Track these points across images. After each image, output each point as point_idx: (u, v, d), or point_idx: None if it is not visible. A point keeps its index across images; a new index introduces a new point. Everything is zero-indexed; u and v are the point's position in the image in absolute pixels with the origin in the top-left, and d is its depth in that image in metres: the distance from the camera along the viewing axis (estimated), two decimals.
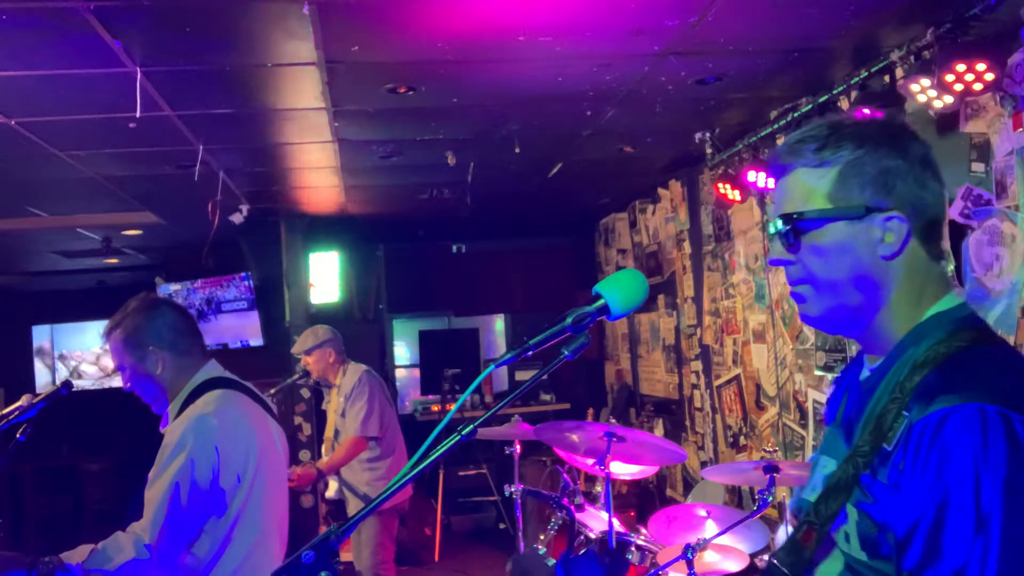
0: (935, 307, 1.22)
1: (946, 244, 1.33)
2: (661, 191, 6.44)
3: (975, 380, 1.09)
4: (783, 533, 3.34)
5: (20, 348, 9.16)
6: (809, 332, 4.44)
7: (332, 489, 4.61)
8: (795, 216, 1.23)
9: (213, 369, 2.41)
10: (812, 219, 1.22)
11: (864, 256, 1.21)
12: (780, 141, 4.27)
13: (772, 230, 1.27)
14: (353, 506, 4.66)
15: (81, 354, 9.36)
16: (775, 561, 1.22)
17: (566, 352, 1.27)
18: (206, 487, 2.16)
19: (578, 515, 3.55)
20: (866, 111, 3.31)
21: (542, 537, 3.76)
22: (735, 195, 4.58)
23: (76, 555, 2.11)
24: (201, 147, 4.30)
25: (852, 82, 3.53)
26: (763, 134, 4.32)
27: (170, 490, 2.13)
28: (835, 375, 4.13)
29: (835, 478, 1.18)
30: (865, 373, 1.29)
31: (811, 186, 1.23)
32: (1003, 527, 1.02)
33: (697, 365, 5.92)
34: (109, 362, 9.25)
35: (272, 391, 4.81)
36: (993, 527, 1.02)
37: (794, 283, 1.28)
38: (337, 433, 4.64)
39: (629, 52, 3.32)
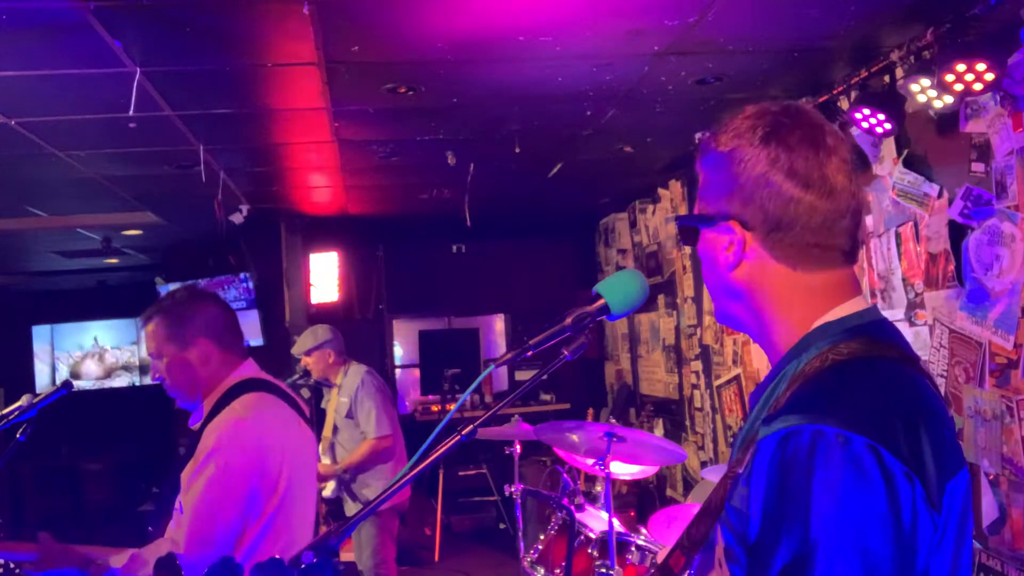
0: (824, 316, 1.12)
1: (838, 246, 1.13)
2: (661, 191, 6.44)
3: (825, 399, 1.01)
4: None
5: (20, 348, 9.17)
6: None
7: (329, 488, 4.62)
8: (676, 219, 1.21)
9: (250, 369, 2.36)
10: (682, 224, 1.21)
11: (715, 267, 1.17)
12: None
13: None
14: (351, 506, 4.67)
15: (81, 354, 9.37)
16: None
17: (566, 352, 1.28)
18: (242, 493, 2.12)
19: (578, 515, 3.55)
20: (866, 111, 3.32)
21: (542, 537, 3.76)
22: None
23: (121, 559, 2.09)
24: (201, 147, 4.30)
25: (852, 82, 3.53)
26: None
27: (206, 499, 2.09)
28: None
29: (708, 500, 1.11)
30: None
31: (699, 189, 1.20)
32: (828, 551, 0.93)
33: (697, 365, 5.92)
34: (109, 365, 9.28)
35: None
36: (817, 551, 0.94)
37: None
38: (336, 431, 4.65)
39: (629, 52, 3.32)
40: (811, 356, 1.08)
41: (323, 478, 4.56)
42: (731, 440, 5.48)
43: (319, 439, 5.04)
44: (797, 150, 1.10)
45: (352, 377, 4.60)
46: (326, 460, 4.69)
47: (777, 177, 1.10)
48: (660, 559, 1.14)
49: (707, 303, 5.77)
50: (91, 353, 9.35)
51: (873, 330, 1.11)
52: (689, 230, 1.21)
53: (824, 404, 0.99)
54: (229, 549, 2.11)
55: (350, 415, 4.55)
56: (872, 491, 0.94)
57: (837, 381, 1.03)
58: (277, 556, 2.16)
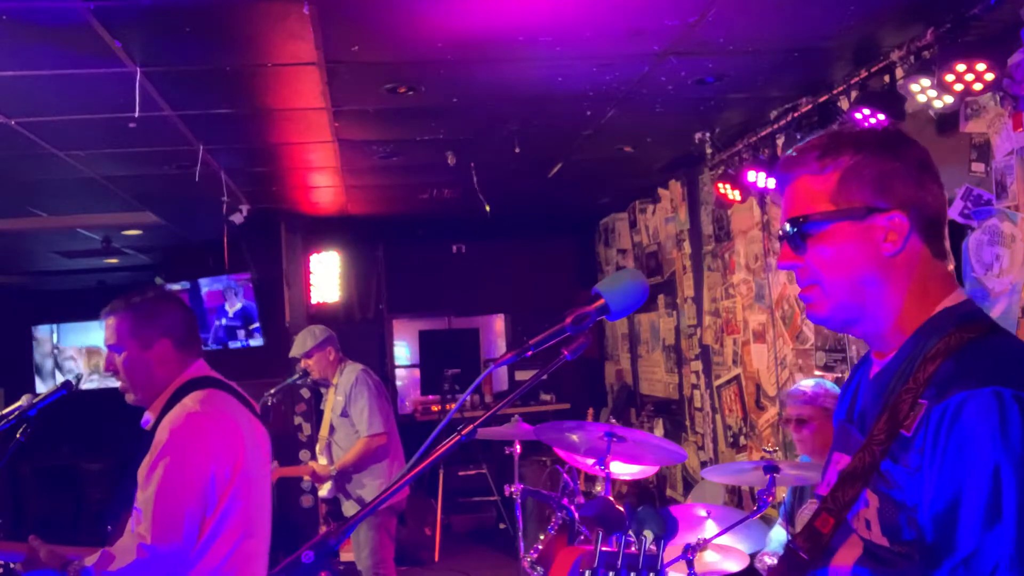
0: (943, 303, 1.27)
1: (947, 243, 1.36)
2: (661, 191, 6.44)
3: (989, 366, 1.14)
4: (777, 534, 3.33)
5: (20, 348, 9.16)
6: (809, 332, 4.44)
7: (325, 488, 4.62)
8: (801, 219, 1.28)
9: (201, 369, 2.43)
10: (817, 221, 1.27)
11: (868, 255, 1.25)
12: (780, 141, 4.28)
13: (780, 235, 1.32)
14: (348, 506, 4.66)
15: (83, 351, 9.36)
16: (793, 547, 1.25)
17: (566, 352, 1.28)
18: (200, 482, 2.18)
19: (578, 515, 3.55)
20: (866, 111, 3.31)
21: (542, 537, 3.76)
22: (735, 195, 4.57)
23: (94, 557, 2.15)
24: (201, 147, 4.30)
25: (852, 82, 3.53)
26: (763, 134, 4.32)
27: (163, 492, 2.15)
28: (836, 375, 4.13)
29: (852, 465, 1.21)
30: (875, 370, 1.32)
31: (815, 191, 1.28)
32: (1018, 509, 1.06)
33: (697, 365, 5.92)
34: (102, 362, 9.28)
35: (272, 391, 4.81)
36: (1008, 509, 1.07)
37: (803, 284, 1.32)
38: (332, 430, 4.65)
39: (629, 52, 3.32)
40: (940, 337, 1.21)
41: (319, 478, 4.57)
42: (734, 433, 5.48)
43: (316, 439, 5.05)
44: (926, 153, 1.31)
45: (347, 375, 4.60)
46: (323, 460, 4.69)
47: (926, 176, 1.29)
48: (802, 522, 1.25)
49: (707, 303, 5.77)
50: (94, 353, 9.35)
51: (981, 315, 1.28)
52: (813, 226, 1.28)
53: (990, 371, 1.13)
54: (194, 538, 2.17)
55: (344, 413, 4.55)
56: None
57: (991, 353, 1.18)
58: (236, 546, 2.19)
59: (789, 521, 3.28)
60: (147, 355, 2.34)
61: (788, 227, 1.30)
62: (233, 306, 6.94)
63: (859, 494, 1.20)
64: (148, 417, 2.37)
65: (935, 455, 1.12)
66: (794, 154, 1.33)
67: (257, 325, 6.94)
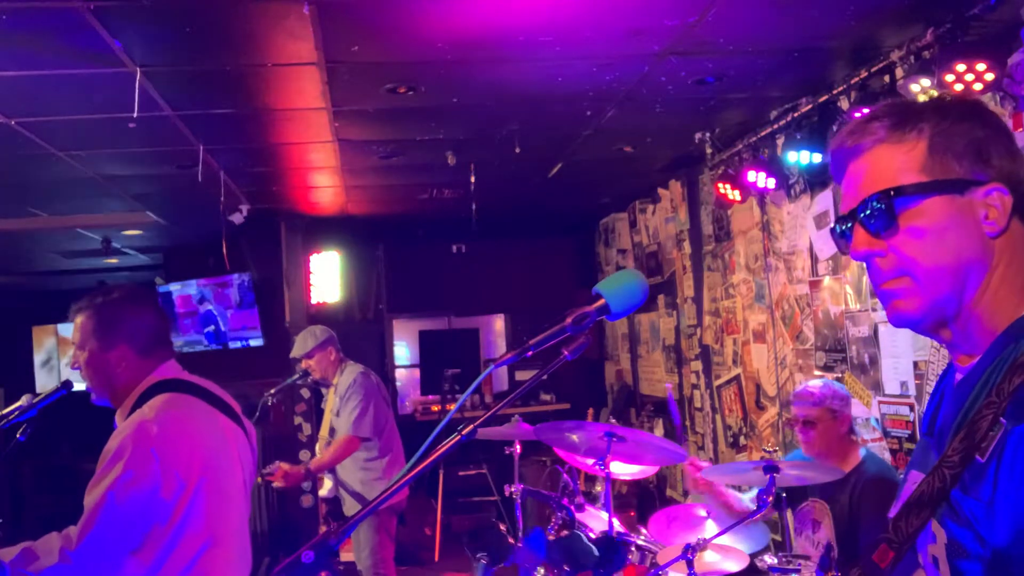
0: None
1: None
2: (661, 191, 6.44)
3: None
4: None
5: (20, 348, 9.17)
6: (809, 332, 4.44)
7: (326, 488, 4.61)
8: (893, 192, 1.05)
9: (168, 371, 2.36)
10: (910, 195, 1.05)
11: (971, 236, 1.04)
12: (780, 141, 4.27)
13: (852, 219, 1.10)
14: (349, 505, 4.66)
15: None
16: None
17: (566, 352, 1.27)
18: (144, 496, 2.11)
19: (578, 515, 3.55)
20: (866, 111, 3.31)
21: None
22: (735, 195, 4.58)
23: (10, 552, 2.07)
24: (201, 147, 4.31)
25: (852, 82, 3.53)
26: (763, 134, 4.32)
27: (104, 499, 2.09)
28: (836, 375, 4.13)
29: (919, 491, 1.00)
30: (958, 377, 1.12)
31: (899, 160, 1.07)
32: None
33: (697, 365, 5.92)
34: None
35: (272, 391, 4.81)
36: None
37: (888, 277, 1.09)
38: (332, 431, 4.65)
39: (629, 52, 3.32)
40: None
41: (290, 479, 4.45)
42: (734, 433, 5.47)
43: (316, 439, 5.04)
44: (1005, 123, 1.11)
45: (347, 376, 4.60)
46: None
47: (1014, 146, 1.08)
48: (866, 554, 1.05)
49: (707, 303, 5.77)
50: None
51: None
52: (906, 201, 1.06)
53: None
54: (123, 550, 2.10)
55: (340, 413, 4.55)
56: None
57: None
58: (199, 555, 2.15)
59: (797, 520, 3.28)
60: (107, 357, 2.28)
61: (875, 203, 1.06)
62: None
63: (924, 525, 0.99)
64: (117, 420, 2.31)
65: (1010, 489, 0.93)
66: (860, 124, 1.12)
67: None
